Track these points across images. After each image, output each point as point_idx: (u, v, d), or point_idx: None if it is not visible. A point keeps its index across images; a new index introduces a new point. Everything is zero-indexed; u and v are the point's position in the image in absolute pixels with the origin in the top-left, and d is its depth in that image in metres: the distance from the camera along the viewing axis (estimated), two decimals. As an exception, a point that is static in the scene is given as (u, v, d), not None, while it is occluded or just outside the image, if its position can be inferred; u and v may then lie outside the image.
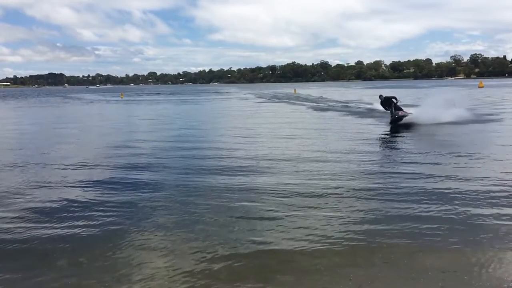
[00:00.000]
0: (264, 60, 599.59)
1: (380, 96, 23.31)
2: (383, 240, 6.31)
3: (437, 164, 11.40)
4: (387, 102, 22.37)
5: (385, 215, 7.37)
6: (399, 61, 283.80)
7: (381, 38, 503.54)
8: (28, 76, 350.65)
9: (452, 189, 8.74)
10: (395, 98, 21.92)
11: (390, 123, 20.92)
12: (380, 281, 5.16)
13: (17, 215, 7.71)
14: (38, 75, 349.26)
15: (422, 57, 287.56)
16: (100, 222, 7.25)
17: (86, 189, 9.46)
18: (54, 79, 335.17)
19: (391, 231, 6.67)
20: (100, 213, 7.70)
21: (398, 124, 20.48)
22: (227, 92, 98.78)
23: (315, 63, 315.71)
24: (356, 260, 5.68)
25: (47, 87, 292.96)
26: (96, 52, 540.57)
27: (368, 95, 56.70)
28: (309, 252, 5.97)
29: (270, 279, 5.29)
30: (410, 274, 5.28)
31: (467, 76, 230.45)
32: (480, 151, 12.79)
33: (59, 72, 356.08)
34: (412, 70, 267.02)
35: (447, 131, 18.20)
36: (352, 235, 6.56)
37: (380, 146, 15.58)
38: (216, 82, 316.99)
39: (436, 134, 17.55)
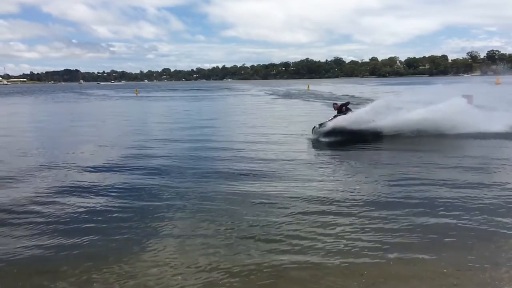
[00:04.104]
0: (278, 56, 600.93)
1: (334, 105, 18.02)
2: (397, 238, 6.29)
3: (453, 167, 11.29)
4: (341, 110, 17.14)
5: (399, 215, 7.34)
6: (414, 58, 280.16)
7: (396, 34, 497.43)
8: (44, 72, 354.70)
9: (467, 194, 8.60)
10: (348, 104, 17.56)
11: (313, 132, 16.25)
12: (393, 279, 5.15)
13: (29, 222, 7.58)
14: (54, 71, 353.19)
15: (438, 53, 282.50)
16: (110, 229, 7.12)
17: (99, 194, 9.30)
18: (70, 75, 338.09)
19: (406, 229, 6.65)
20: (109, 219, 7.61)
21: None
22: (240, 89, 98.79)
23: (329, 60, 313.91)
24: (369, 258, 5.67)
25: (63, 83, 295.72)
26: (111, 49, 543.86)
27: (384, 92, 56.15)
28: (322, 250, 5.98)
29: (283, 274, 5.33)
30: (425, 272, 5.25)
31: (484, 72, 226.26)
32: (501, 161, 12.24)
33: (74, 69, 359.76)
34: (427, 66, 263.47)
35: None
36: (365, 233, 6.56)
37: (396, 149, 15.35)
38: (229, 78, 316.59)
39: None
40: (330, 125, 15.69)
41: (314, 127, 16.37)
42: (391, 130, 15.76)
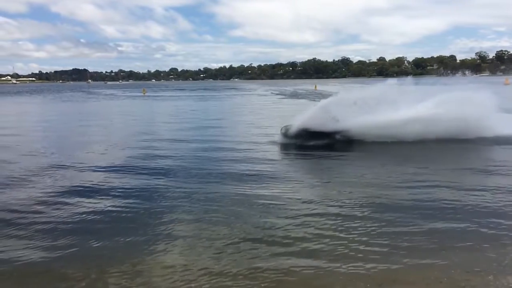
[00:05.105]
0: (285, 56, 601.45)
1: None
2: (405, 242, 6.24)
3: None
4: None
5: (406, 217, 7.29)
6: (422, 58, 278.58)
7: (404, 34, 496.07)
8: (53, 71, 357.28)
9: (475, 197, 8.55)
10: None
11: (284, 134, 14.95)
12: (401, 280, 5.12)
13: (35, 222, 7.56)
14: (62, 71, 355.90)
15: (446, 53, 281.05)
16: (117, 229, 7.10)
17: (106, 194, 9.27)
18: (78, 75, 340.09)
19: (413, 232, 6.61)
20: (116, 220, 7.61)
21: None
22: (247, 89, 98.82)
23: (336, 60, 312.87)
24: (376, 261, 5.63)
25: (71, 82, 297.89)
26: (119, 48, 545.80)
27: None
28: (328, 252, 5.96)
29: (288, 274, 5.32)
30: (433, 273, 5.22)
31: (493, 73, 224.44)
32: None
33: (82, 68, 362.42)
34: (435, 66, 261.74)
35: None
36: (372, 236, 6.52)
37: (403, 150, 15.20)
38: (236, 78, 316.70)
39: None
40: (296, 125, 14.27)
41: (282, 128, 15.25)
42: (378, 133, 14.42)
